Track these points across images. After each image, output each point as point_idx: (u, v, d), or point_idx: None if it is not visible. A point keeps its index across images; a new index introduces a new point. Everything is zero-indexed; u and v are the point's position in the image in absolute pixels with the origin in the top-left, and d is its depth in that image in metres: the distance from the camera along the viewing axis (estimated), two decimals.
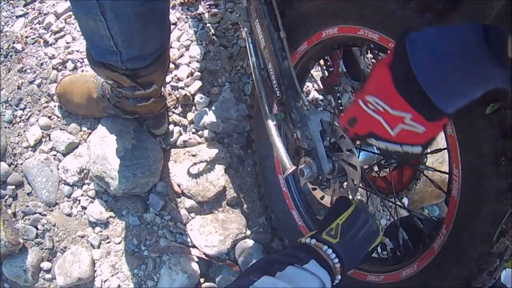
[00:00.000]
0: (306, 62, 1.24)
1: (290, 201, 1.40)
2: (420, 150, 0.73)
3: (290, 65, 1.12)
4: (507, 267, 1.18)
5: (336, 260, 0.88)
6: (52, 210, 1.54)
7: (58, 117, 1.64)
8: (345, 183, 1.08)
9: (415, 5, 0.83)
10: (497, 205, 0.81)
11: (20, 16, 1.88)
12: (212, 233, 1.45)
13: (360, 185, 1.12)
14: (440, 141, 0.98)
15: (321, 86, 1.37)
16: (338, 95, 1.27)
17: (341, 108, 1.28)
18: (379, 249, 1.10)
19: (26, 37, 1.82)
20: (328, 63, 1.29)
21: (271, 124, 1.12)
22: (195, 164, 1.55)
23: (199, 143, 1.61)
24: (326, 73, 1.31)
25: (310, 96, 1.71)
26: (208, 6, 1.42)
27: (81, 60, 1.72)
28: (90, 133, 1.60)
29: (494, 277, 0.89)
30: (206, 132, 1.61)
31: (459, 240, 0.90)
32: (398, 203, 1.26)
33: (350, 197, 1.06)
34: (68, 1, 1.16)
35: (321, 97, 1.70)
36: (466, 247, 0.88)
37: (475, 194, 0.85)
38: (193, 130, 1.63)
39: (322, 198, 1.15)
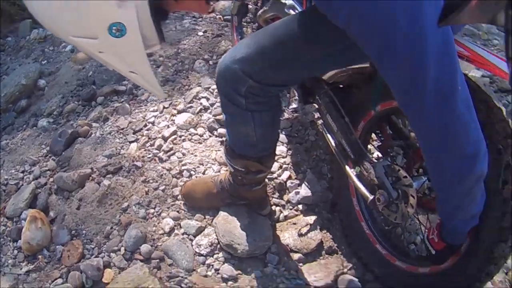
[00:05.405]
0: (365, 134, 1.84)
1: (374, 239, 1.89)
2: None
3: (356, 138, 1.72)
4: None
5: None
6: (191, 274, 1.97)
7: (184, 210, 2.17)
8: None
9: None
10: None
11: (132, 141, 2.48)
12: (318, 272, 1.93)
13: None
14: None
15: (379, 153, 1.95)
16: (391, 154, 1.84)
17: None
18: None
19: (143, 156, 2.36)
20: (379, 134, 1.89)
21: (350, 172, 1.69)
22: (296, 229, 2.09)
23: (296, 215, 2.16)
24: (379, 142, 1.91)
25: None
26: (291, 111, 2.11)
27: (194, 169, 2.32)
28: (212, 219, 2.14)
29: None
30: (300, 206, 2.17)
31: None
32: None
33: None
34: (224, 115, 1.75)
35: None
36: None
37: None
38: (290, 207, 2.19)
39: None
